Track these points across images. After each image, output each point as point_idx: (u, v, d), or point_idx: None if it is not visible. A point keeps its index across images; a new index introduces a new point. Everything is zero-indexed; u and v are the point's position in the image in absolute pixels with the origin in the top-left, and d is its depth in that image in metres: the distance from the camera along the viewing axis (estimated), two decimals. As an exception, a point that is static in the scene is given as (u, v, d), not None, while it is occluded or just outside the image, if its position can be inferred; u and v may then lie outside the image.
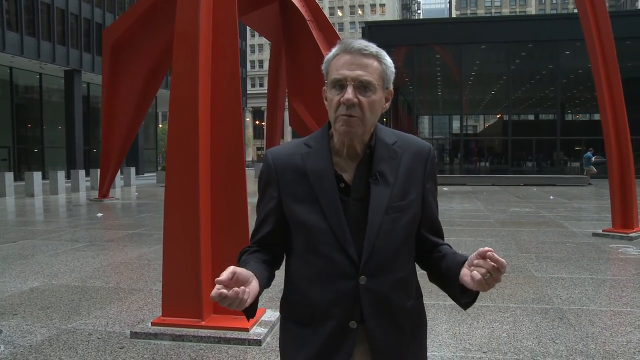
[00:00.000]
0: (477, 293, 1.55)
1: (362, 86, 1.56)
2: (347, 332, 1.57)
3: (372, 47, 1.60)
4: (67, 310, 5.37)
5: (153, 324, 4.63)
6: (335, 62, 1.61)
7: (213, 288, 1.35)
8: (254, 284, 1.47)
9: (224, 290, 1.34)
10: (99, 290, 6.21)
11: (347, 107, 1.56)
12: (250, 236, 1.76)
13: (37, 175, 22.15)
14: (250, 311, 1.56)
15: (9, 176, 22.43)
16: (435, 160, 1.75)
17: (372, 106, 1.59)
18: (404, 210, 1.61)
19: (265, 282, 1.62)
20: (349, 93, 1.55)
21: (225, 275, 1.36)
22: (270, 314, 4.98)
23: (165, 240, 4.79)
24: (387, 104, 1.67)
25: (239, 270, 1.41)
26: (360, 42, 1.60)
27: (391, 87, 1.67)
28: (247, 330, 4.51)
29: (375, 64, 1.59)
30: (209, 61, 4.67)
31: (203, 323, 4.57)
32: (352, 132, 1.58)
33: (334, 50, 1.63)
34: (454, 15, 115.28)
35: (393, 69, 1.66)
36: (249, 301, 1.42)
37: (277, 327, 4.75)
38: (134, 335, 4.53)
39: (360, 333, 1.59)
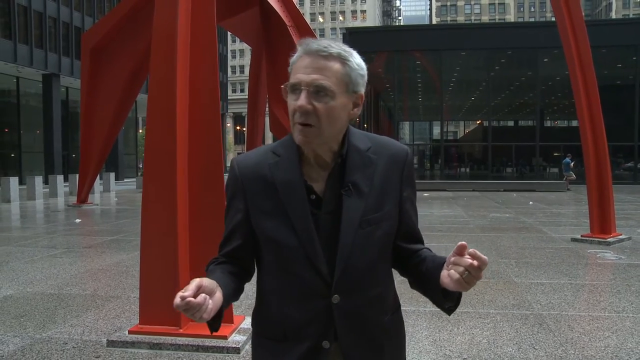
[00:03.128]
0: (459, 295, 1.49)
1: (318, 91, 1.43)
2: (320, 351, 1.50)
3: (333, 48, 1.46)
4: (42, 319, 5.27)
5: (130, 332, 4.56)
6: (296, 65, 1.48)
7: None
8: (218, 295, 1.40)
9: (191, 298, 1.28)
10: (75, 297, 6.11)
11: (301, 115, 1.44)
12: (219, 247, 1.66)
13: (13, 181, 21.82)
14: (215, 324, 1.48)
15: (-15, 182, 22.08)
16: (413, 164, 1.65)
17: (330, 113, 1.45)
18: (379, 222, 1.50)
19: (232, 294, 1.55)
20: (302, 99, 1.43)
21: (190, 290, 1.30)
22: (249, 321, 4.93)
23: (143, 246, 4.73)
24: (356, 110, 1.52)
25: (205, 282, 1.36)
26: (320, 43, 1.46)
27: (361, 90, 1.51)
28: (225, 338, 4.47)
29: (336, 66, 1.45)
30: (187, 66, 4.63)
31: (181, 331, 4.51)
32: (309, 142, 1.47)
33: (297, 52, 1.50)
34: (434, 22, 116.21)
35: (362, 71, 1.50)
36: (212, 313, 1.35)
37: (256, 335, 4.71)
38: (111, 343, 4.45)
39: (336, 350, 1.51)
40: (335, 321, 1.48)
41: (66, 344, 4.54)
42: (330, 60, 1.45)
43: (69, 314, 5.44)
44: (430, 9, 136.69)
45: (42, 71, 39.20)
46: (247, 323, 4.89)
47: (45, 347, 4.46)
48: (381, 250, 1.55)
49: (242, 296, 5.11)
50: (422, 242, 1.65)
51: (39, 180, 23.19)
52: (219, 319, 1.48)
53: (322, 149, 1.50)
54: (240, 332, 4.68)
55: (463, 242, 1.35)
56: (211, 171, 4.74)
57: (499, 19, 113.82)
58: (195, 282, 1.33)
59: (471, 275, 1.33)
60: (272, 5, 14.24)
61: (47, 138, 40.52)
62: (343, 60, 1.46)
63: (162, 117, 4.62)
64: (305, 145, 1.48)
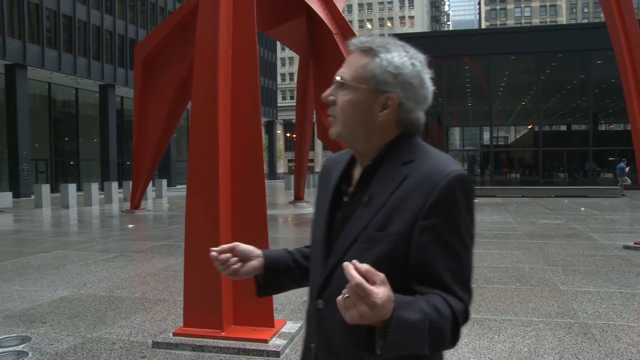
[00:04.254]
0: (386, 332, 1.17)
1: (341, 84, 1.40)
2: (309, 352, 1.48)
3: (366, 42, 1.40)
4: (93, 320, 5.50)
5: (174, 334, 4.72)
6: None
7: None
8: (253, 263, 1.54)
9: (214, 253, 1.49)
10: (125, 300, 6.34)
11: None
12: None
13: (72, 187, 22.66)
14: (262, 290, 1.61)
15: (46, 188, 23.02)
16: (453, 192, 1.30)
17: (346, 108, 1.39)
18: (377, 242, 1.33)
19: (283, 269, 1.61)
20: (327, 90, 1.44)
21: (220, 248, 1.51)
22: (291, 326, 5.03)
23: (187, 251, 4.89)
24: (385, 112, 1.38)
25: (241, 247, 1.54)
26: (361, 38, 1.43)
27: (392, 90, 1.37)
28: (266, 341, 4.57)
29: (363, 60, 1.38)
30: (229, 75, 4.77)
31: (223, 334, 4.63)
32: (333, 135, 1.45)
33: None
34: (483, 26, 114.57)
35: (393, 69, 1.36)
36: (242, 276, 1.53)
37: (297, 339, 4.80)
38: (156, 345, 4.62)
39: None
40: (317, 327, 1.44)
41: (114, 344, 4.74)
42: (359, 54, 1.40)
43: (118, 315, 5.66)
44: (480, 13, 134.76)
45: (98, 82, 40.59)
46: (288, 327, 4.98)
47: (95, 347, 4.67)
48: None
49: (284, 301, 5.21)
50: (442, 287, 1.29)
51: (95, 187, 23.99)
52: (268, 288, 1.61)
53: (356, 151, 1.47)
54: (281, 336, 4.77)
55: (345, 263, 1.15)
56: (252, 178, 4.87)
57: (551, 21, 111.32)
58: (231, 244, 1.53)
59: (351, 299, 1.13)
60: (318, 14, 14.40)
61: (103, 146, 41.86)
62: (373, 54, 1.38)
63: (205, 124, 4.77)
64: (333, 137, 1.48)
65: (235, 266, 1.52)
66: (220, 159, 4.64)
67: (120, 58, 42.61)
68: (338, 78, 1.41)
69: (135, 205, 19.14)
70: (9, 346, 4.72)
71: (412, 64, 1.40)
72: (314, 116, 19.26)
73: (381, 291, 1.12)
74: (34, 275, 7.91)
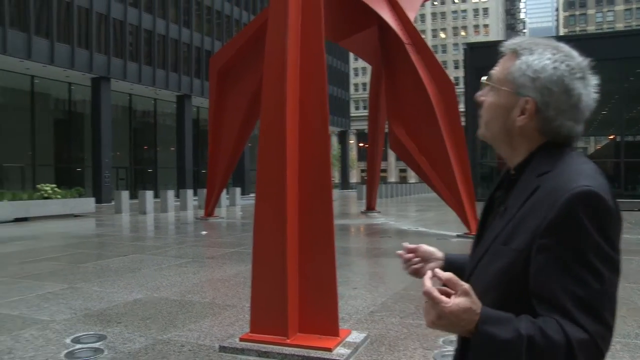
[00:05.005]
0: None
1: (487, 86, 1.40)
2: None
3: (512, 43, 1.37)
4: (164, 322, 5.69)
5: (241, 339, 4.82)
6: None
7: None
8: (432, 264, 1.60)
9: (400, 252, 1.66)
10: (195, 304, 6.53)
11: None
12: None
13: (149, 194, 23.51)
14: None
15: (125, 194, 24.00)
16: (573, 210, 1.17)
17: (489, 109, 1.38)
18: (500, 256, 1.27)
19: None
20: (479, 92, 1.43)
21: (406, 246, 1.66)
22: (356, 336, 5.04)
23: (254, 258, 4.99)
24: (522, 116, 1.31)
25: (423, 248, 1.64)
26: (512, 39, 1.40)
27: (528, 94, 1.30)
28: (330, 350, 4.60)
29: (508, 62, 1.35)
30: (297, 85, 4.86)
31: (288, 341, 4.69)
32: (478, 133, 1.44)
33: None
34: (561, 33, 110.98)
35: (531, 73, 1.30)
36: (422, 275, 1.46)
37: (361, 349, 4.81)
38: (222, 349, 4.74)
39: None
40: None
41: (183, 346, 4.89)
42: (508, 55, 1.37)
43: (188, 319, 5.84)
44: (558, 20, 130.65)
45: (176, 93, 42.03)
46: (353, 337, 4.99)
47: (165, 348, 4.84)
48: (491, 289, 1.26)
49: (351, 311, 5.23)
50: (560, 312, 1.16)
51: (171, 194, 24.79)
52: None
53: (503, 155, 1.41)
54: (345, 345, 4.79)
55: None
56: (320, 187, 4.92)
57: (636, 26, 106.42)
58: (416, 245, 1.65)
59: (429, 305, 1.16)
60: (389, 24, 14.40)
61: (179, 155, 43.23)
62: (516, 56, 1.34)
63: (273, 137, 4.88)
64: (479, 136, 1.44)
65: (416, 266, 1.62)
66: (288, 168, 4.73)
67: (196, 69, 43.97)
68: (485, 79, 1.39)
69: (209, 213, 19.63)
70: (87, 343, 4.97)
71: (555, 68, 1.29)
72: (386, 126, 19.24)
73: (454, 301, 1.13)
74: (111, 278, 8.26)
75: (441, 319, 1.14)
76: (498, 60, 1.40)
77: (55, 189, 22.36)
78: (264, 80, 4.93)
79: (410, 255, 1.64)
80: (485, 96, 1.40)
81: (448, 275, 1.16)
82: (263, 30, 15.73)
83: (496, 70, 1.37)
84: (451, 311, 1.13)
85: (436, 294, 1.14)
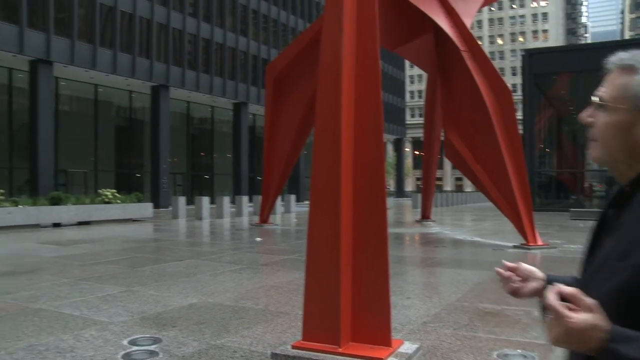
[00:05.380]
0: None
1: (599, 105, 1.33)
2: None
3: (622, 59, 1.31)
4: (218, 327, 5.75)
5: (293, 346, 4.82)
6: None
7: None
8: (532, 285, 1.55)
9: (499, 269, 1.60)
10: (248, 310, 6.58)
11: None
12: None
13: (205, 200, 23.94)
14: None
15: (182, 200, 24.50)
16: None
17: (607, 130, 1.31)
18: (615, 273, 1.20)
19: None
20: (583, 112, 1.38)
21: (509, 264, 1.60)
22: (408, 347, 4.96)
23: (308, 266, 4.99)
24: None
25: (523, 266, 1.58)
26: (618, 55, 1.34)
27: None
28: (382, 360, 4.55)
29: (619, 78, 1.30)
30: (352, 92, 4.85)
31: (340, 350, 4.66)
32: (594, 158, 1.37)
33: None
34: (627, 37, 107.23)
35: None
36: (522, 295, 1.56)
37: (414, 360, 4.74)
38: (274, 356, 4.74)
39: None
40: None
41: (235, 352, 4.93)
42: (619, 72, 1.31)
43: (241, 325, 5.88)
44: (623, 23, 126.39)
45: (233, 100, 42.72)
46: (405, 348, 4.92)
47: (217, 353, 4.88)
48: (607, 308, 1.15)
49: (403, 321, 5.16)
50: None
51: (227, 200, 25.16)
52: None
53: (619, 176, 1.35)
54: (397, 356, 4.73)
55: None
56: (374, 196, 4.89)
57: None
58: (515, 264, 1.60)
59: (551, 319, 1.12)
60: (445, 31, 14.25)
61: (235, 161, 43.89)
62: (630, 70, 1.29)
63: (328, 144, 4.87)
64: (593, 161, 1.41)
65: (515, 285, 1.57)
66: (342, 175, 4.72)
67: (253, 77, 44.61)
68: (596, 99, 1.33)
69: (264, 220, 19.80)
70: (143, 345, 5.07)
71: None
72: (442, 134, 19.04)
73: (579, 316, 1.09)
74: (167, 282, 8.42)
75: (566, 335, 1.10)
76: (604, 78, 1.34)
77: (116, 194, 23.02)
78: (318, 87, 4.94)
79: (510, 273, 1.58)
80: (594, 117, 1.34)
81: (572, 290, 1.12)
82: (318, 38, 15.84)
83: (607, 89, 1.31)
84: (576, 327, 1.08)
85: (562, 307, 1.10)
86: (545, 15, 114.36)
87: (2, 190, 20.13)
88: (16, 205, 19.50)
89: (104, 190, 23.16)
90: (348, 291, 4.81)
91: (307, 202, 33.60)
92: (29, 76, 30.50)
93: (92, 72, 32.61)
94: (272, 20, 47.69)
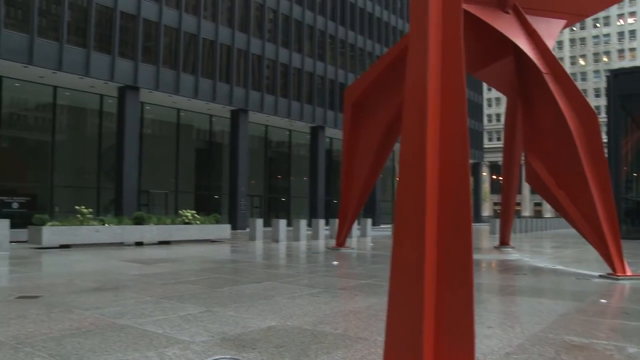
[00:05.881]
0: None
1: None
2: None
3: None
4: (297, 351, 5.75)
5: (374, 374, 4.76)
6: None
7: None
8: None
9: None
10: (327, 335, 6.54)
11: None
12: None
13: (282, 223, 24.19)
14: None
15: (260, 222, 24.86)
16: None
17: None
18: None
19: None
20: None
21: None
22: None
23: (391, 292, 4.91)
24: None
25: None
26: None
27: None
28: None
29: None
30: (438, 119, 4.80)
31: (423, 379, 4.56)
32: None
33: None
34: None
35: None
36: None
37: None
38: (356, 382, 4.69)
39: None
40: None
41: (317, 378, 4.91)
42: None
43: (320, 349, 5.85)
44: None
45: (310, 124, 43.24)
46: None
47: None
48: None
49: (485, 350, 4.97)
50: None
51: (303, 223, 25.34)
52: None
53: None
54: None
55: None
56: (459, 223, 4.78)
57: None
58: None
59: None
60: (526, 54, 13.94)
61: (312, 184, 44.31)
62: None
63: (412, 171, 4.83)
64: None
65: None
66: (427, 202, 4.65)
67: (330, 101, 45.07)
68: None
69: (341, 243, 19.80)
70: (224, 368, 5.13)
71: None
72: (522, 159, 18.55)
73: None
74: (246, 303, 8.52)
75: None
76: None
77: (195, 215, 23.64)
78: (404, 113, 4.92)
79: None
80: None
81: None
82: (397, 62, 15.86)
83: None
84: None
85: None
86: (632, 32, 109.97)
87: (90, 209, 21.08)
88: (103, 224, 20.36)
89: (184, 211, 23.84)
90: (431, 319, 4.70)
91: (383, 226, 33.71)
92: (117, 101, 32.05)
93: (175, 97, 33.88)
94: (349, 45, 48.15)
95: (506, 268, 15.07)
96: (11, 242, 17.68)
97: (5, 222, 17.14)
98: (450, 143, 4.80)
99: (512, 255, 18.85)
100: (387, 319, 4.89)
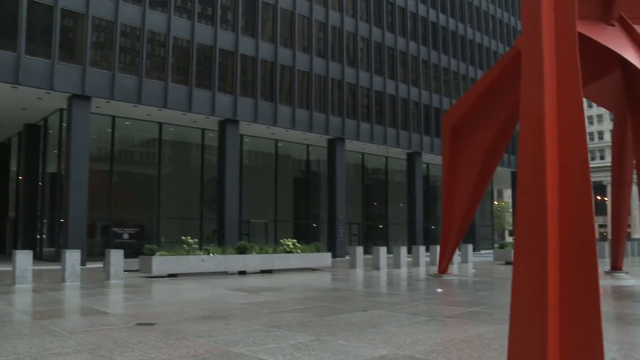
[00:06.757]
0: None
1: None
2: None
3: None
4: (414, 382, 5.68)
5: (497, 407, 4.61)
6: None
7: None
8: None
9: None
10: (442, 365, 6.42)
11: None
12: None
13: (382, 250, 24.10)
14: None
15: (360, 250, 24.88)
16: None
17: None
18: None
19: None
20: None
21: None
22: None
23: (512, 325, 4.76)
24: None
25: None
26: None
27: None
28: None
29: None
30: (556, 145, 4.66)
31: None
32: None
33: None
34: None
35: None
36: None
37: None
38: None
39: None
40: None
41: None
42: None
43: (437, 380, 5.75)
44: None
45: (406, 150, 43.06)
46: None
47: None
48: None
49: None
50: None
51: (403, 250, 25.11)
52: None
53: None
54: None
55: None
56: (583, 250, 4.60)
57: None
58: None
59: None
60: (635, 66, 13.27)
61: (410, 211, 43.95)
62: None
63: (532, 196, 4.70)
64: None
65: None
66: (548, 229, 4.51)
67: (425, 126, 44.73)
68: None
69: (443, 270, 19.45)
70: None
71: None
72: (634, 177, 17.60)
73: None
74: (355, 332, 8.51)
75: None
76: None
77: (296, 243, 23.98)
78: (520, 139, 4.81)
79: None
80: None
81: None
82: (496, 85, 15.53)
83: None
84: None
85: None
86: None
87: (196, 240, 21.89)
88: (208, 254, 21.05)
89: (285, 240, 24.25)
90: (556, 352, 4.51)
91: (483, 251, 32.83)
92: (218, 135, 33.34)
93: (273, 128, 34.80)
94: (442, 68, 47.76)
95: (622, 295, 14.23)
96: (124, 270, 18.65)
97: (120, 253, 18.12)
98: (569, 166, 4.65)
99: (627, 280, 17.76)
100: (509, 350, 4.74)
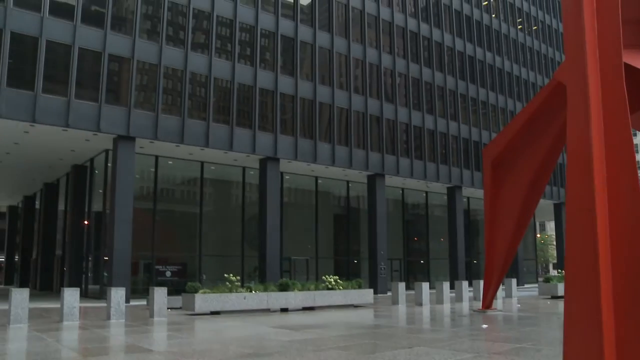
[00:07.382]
0: None
1: None
2: None
3: None
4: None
5: None
6: None
7: None
8: None
9: None
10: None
11: None
12: None
13: (425, 286, 23.83)
14: None
15: (402, 286, 24.62)
16: None
17: None
18: None
19: None
20: None
21: None
22: None
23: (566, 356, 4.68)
24: None
25: None
26: None
27: None
28: None
29: None
30: (604, 180, 4.61)
31: None
32: None
33: None
34: None
35: None
36: None
37: None
38: None
39: None
40: None
41: None
42: None
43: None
44: None
45: (446, 184, 42.79)
46: None
47: None
48: None
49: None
50: None
51: (446, 285, 24.77)
52: None
53: None
54: None
55: None
56: (637, 287, 4.50)
57: None
58: None
59: None
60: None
61: (451, 245, 43.41)
62: None
63: (581, 232, 4.65)
64: None
65: None
66: (600, 263, 4.44)
67: (465, 160, 44.41)
68: None
69: (487, 305, 19.10)
70: None
71: None
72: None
73: None
74: (402, 370, 8.41)
75: None
76: None
77: (338, 280, 23.89)
78: (568, 173, 4.78)
79: None
80: None
81: None
82: (536, 119, 15.37)
83: None
84: None
85: None
86: None
87: (238, 277, 22.00)
88: (250, 291, 21.12)
89: (327, 276, 24.18)
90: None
91: (527, 285, 32.09)
92: (258, 173, 33.71)
93: (313, 165, 35.02)
94: (480, 102, 47.58)
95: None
96: (167, 308, 18.82)
97: (164, 291, 18.34)
98: (620, 198, 4.59)
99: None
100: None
